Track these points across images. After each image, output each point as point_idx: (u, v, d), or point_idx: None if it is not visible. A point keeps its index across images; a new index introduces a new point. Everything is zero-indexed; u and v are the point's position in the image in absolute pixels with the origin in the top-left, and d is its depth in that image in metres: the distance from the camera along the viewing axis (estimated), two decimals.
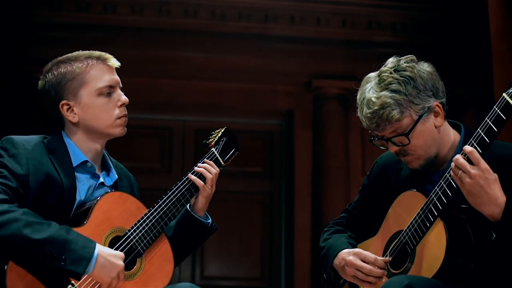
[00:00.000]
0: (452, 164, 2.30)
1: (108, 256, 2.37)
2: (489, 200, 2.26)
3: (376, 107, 2.47)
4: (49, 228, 2.32)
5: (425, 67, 2.53)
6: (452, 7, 6.84)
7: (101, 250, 2.37)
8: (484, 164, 2.25)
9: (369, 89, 2.52)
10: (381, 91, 2.48)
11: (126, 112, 2.61)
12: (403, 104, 2.46)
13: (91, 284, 2.38)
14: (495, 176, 2.27)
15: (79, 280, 2.34)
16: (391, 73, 2.50)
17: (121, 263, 2.40)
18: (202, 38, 6.85)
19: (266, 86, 7.00)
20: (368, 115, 2.49)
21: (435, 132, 2.53)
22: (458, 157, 2.29)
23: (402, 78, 2.48)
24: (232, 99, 6.97)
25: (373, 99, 2.48)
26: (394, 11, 6.99)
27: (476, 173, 2.25)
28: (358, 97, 2.57)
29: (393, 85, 2.47)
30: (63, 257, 2.29)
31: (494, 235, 2.27)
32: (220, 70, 6.89)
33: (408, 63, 2.52)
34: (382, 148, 2.58)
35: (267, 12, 6.90)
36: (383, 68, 2.55)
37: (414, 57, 2.56)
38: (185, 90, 6.89)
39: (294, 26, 6.96)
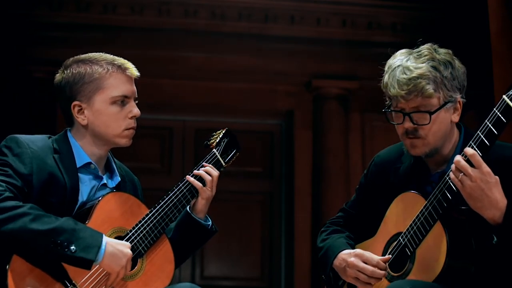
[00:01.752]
0: (453, 166, 2.28)
1: (116, 245, 2.39)
2: (489, 203, 2.24)
3: (414, 75, 2.42)
4: (56, 219, 2.34)
5: (459, 63, 2.54)
6: (452, 7, 6.84)
7: (109, 239, 2.39)
8: (485, 167, 2.24)
9: (407, 59, 2.48)
10: (422, 63, 2.45)
11: (135, 125, 2.62)
12: (438, 83, 2.44)
13: (95, 282, 2.39)
14: (496, 179, 2.25)
15: (89, 269, 2.35)
16: (431, 52, 2.49)
17: (130, 252, 2.41)
18: (202, 38, 6.84)
19: (266, 86, 6.99)
20: (403, 80, 2.43)
21: (449, 126, 2.51)
22: (459, 159, 2.26)
23: (442, 59, 2.48)
24: (232, 99, 6.96)
25: (412, 68, 2.44)
26: (394, 11, 6.98)
27: (477, 176, 2.23)
28: (388, 65, 2.52)
29: (434, 62, 2.46)
30: (73, 245, 2.30)
31: (495, 239, 2.26)
32: (220, 70, 6.89)
33: (446, 51, 2.53)
34: (392, 123, 2.53)
35: (267, 12, 6.90)
36: (425, 45, 2.53)
37: (451, 51, 2.56)
38: (185, 90, 6.89)
39: (294, 26, 6.96)
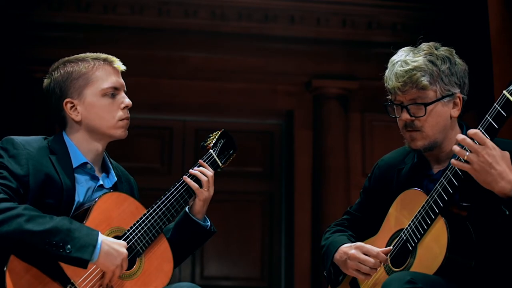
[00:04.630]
0: (455, 147, 2.31)
1: (111, 243, 2.39)
2: (499, 175, 2.26)
3: (409, 67, 2.51)
4: (51, 220, 2.34)
5: (460, 61, 2.60)
6: (452, 7, 6.84)
7: (104, 238, 2.39)
8: (489, 142, 2.27)
9: (406, 54, 2.56)
10: (419, 57, 2.53)
11: (129, 115, 2.63)
12: (434, 76, 2.51)
13: (93, 281, 2.39)
14: (502, 152, 2.28)
15: (85, 268, 2.35)
16: (430, 47, 2.57)
17: (125, 251, 2.41)
18: (202, 38, 6.84)
19: (266, 86, 7.00)
20: (399, 72, 2.52)
21: (448, 121, 2.55)
22: (464, 137, 2.29)
23: (440, 55, 2.55)
24: (232, 99, 6.97)
25: (409, 61, 2.53)
26: (394, 11, 6.98)
27: (483, 152, 2.26)
28: (390, 61, 2.60)
29: (432, 56, 2.53)
30: (68, 245, 2.30)
31: (507, 212, 2.27)
32: (220, 70, 6.89)
33: (447, 48, 2.60)
34: (392, 116, 2.60)
35: (267, 12, 6.90)
36: (426, 43, 2.59)
37: (453, 49, 2.62)
38: (185, 90, 6.89)
39: (294, 26, 6.96)
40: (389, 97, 2.60)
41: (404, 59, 2.54)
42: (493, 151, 2.26)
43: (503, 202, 2.28)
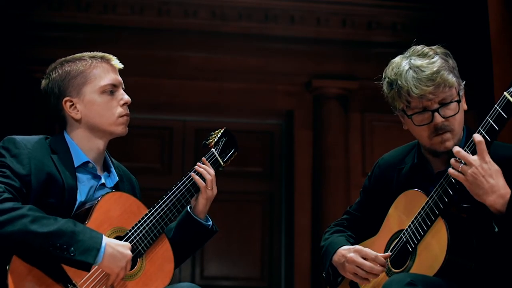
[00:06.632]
0: (452, 160, 2.31)
1: (116, 246, 2.39)
2: (491, 189, 2.26)
3: (435, 69, 2.43)
4: (55, 221, 2.34)
5: None
6: (452, 7, 6.84)
7: (108, 240, 2.39)
8: (487, 157, 2.26)
9: (413, 61, 2.47)
10: (432, 58, 2.46)
11: (128, 112, 2.64)
12: (452, 72, 2.47)
13: (95, 282, 2.39)
14: (498, 168, 2.27)
15: (88, 272, 2.35)
16: (431, 48, 2.52)
17: (129, 252, 2.42)
18: (202, 38, 6.85)
19: (266, 86, 6.99)
20: (426, 76, 2.41)
21: (463, 114, 2.52)
22: (459, 149, 2.29)
23: (443, 52, 2.51)
24: (232, 99, 6.97)
25: (426, 64, 2.44)
26: (394, 11, 6.98)
27: (478, 164, 2.26)
28: (393, 73, 2.50)
29: (439, 55, 2.48)
30: (72, 248, 2.30)
31: (497, 228, 2.27)
32: (220, 70, 6.89)
33: (437, 46, 2.55)
34: (418, 125, 2.47)
35: (267, 12, 6.90)
36: (415, 48, 2.53)
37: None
38: (185, 90, 6.89)
39: (294, 26, 6.96)
40: (402, 108, 2.50)
41: (417, 64, 2.45)
42: (488, 165, 2.26)
43: (494, 217, 2.28)
